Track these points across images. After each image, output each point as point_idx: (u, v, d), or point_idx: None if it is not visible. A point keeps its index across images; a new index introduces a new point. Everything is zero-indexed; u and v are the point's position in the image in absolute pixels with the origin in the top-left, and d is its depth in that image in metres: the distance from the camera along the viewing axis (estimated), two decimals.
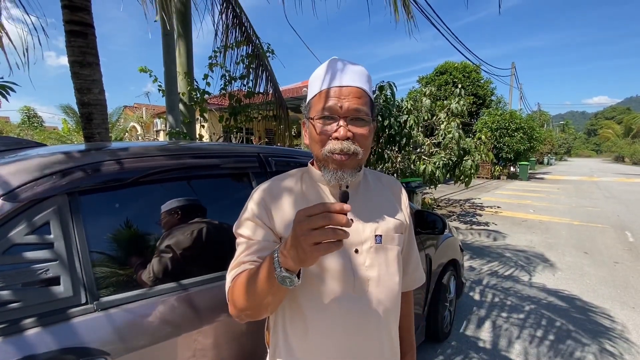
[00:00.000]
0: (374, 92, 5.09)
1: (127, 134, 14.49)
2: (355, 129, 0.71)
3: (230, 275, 0.72)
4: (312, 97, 0.75)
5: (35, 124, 21.22)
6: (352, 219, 0.76)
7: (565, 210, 8.31)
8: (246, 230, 0.75)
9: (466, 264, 4.30)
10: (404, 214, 0.87)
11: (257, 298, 0.63)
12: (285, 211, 0.75)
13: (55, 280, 0.78)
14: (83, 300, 0.80)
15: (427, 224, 1.98)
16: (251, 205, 0.77)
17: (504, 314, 2.99)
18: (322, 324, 0.72)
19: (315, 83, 0.76)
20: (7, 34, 3.61)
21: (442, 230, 1.97)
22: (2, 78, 2.26)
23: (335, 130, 0.71)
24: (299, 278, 0.59)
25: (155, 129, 16.96)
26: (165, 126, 4.15)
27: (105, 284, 0.86)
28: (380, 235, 0.78)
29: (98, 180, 0.89)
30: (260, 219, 0.75)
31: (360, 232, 0.76)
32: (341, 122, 0.70)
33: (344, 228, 0.53)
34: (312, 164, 0.83)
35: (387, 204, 0.84)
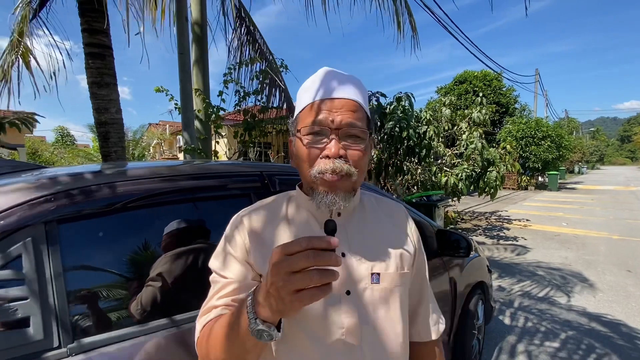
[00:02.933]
0: (390, 103, 4.97)
1: (152, 150, 15.01)
2: (350, 146, 0.61)
3: (199, 323, 0.61)
4: (300, 111, 0.66)
5: (68, 143, 22.44)
6: (343, 253, 0.63)
7: (602, 223, 7.72)
8: (220, 265, 0.64)
9: (495, 283, 4.00)
10: (409, 247, 0.72)
11: (228, 355, 0.52)
12: (266, 243, 0.64)
13: (25, 322, 0.70)
14: (55, 344, 0.71)
15: (450, 245, 1.81)
16: (228, 236, 0.67)
17: (539, 341, 2.71)
18: None
19: (304, 95, 0.66)
20: (35, 58, 3.80)
21: (468, 252, 1.79)
22: (23, 112, 2.36)
23: (326, 147, 0.60)
24: (279, 330, 0.48)
25: (177, 145, 17.52)
26: (182, 143, 4.21)
27: (81, 325, 0.77)
28: (378, 274, 0.64)
29: (80, 207, 0.81)
30: (237, 252, 0.64)
31: (354, 269, 0.64)
32: (332, 136, 0.60)
33: (332, 268, 0.42)
34: (301, 187, 0.71)
35: (388, 235, 0.71)
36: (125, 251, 0.89)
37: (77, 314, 0.77)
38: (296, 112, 0.68)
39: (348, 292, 0.62)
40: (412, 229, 0.77)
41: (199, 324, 0.61)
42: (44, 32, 3.73)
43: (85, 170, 0.94)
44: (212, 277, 0.65)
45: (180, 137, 16.73)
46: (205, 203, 1.06)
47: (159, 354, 0.82)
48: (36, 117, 2.37)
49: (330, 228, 0.46)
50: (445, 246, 1.81)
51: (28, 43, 3.57)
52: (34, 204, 0.76)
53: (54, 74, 3.80)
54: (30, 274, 0.71)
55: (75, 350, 0.73)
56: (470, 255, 2.18)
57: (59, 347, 0.72)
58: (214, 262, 0.66)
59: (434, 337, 0.78)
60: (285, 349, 0.61)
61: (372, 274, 0.64)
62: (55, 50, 3.72)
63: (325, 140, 0.61)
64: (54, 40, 3.67)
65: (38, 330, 0.70)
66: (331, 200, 0.60)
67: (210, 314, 0.60)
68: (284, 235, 0.66)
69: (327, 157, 0.60)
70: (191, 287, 0.97)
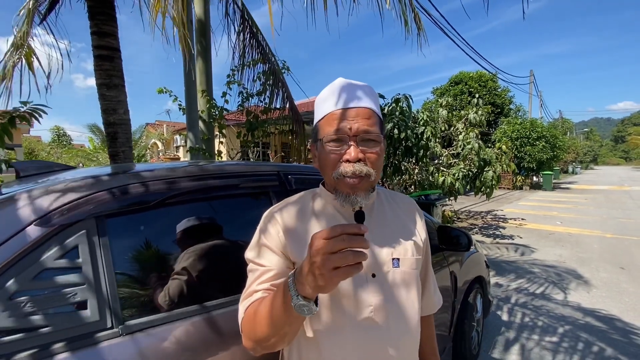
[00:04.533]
0: (388, 105, 5.08)
1: (148, 150, 15.00)
2: (367, 150, 0.70)
3: (242, 305, 0.70)
4: (320, 120, 0.75)
5: (64, 142, 22.33)
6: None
7: (596, 222, 7.89)
8: (257, 255, 0.73)
9: (492, 280, 4.11)
10: (420, 235, 0.83)
11: (273, 329, 0.61)
12: (297, 235, 0.73)
13: (82, 305, 0.78)
14: (109, 325, 0.80)
15: (451, 240, 1.91)
16: (262, 229, 0.76)
17: (535, 336, 2.81)
18: (338, 354, 0.69)
19: (322, 105, 0.75)
20: (37, 58, 3.83)
21: (468, 246, 1.89)
22: (32, 102, 2.38)
23: (346, 152, 0.69)
24: (316, 305, 0.57)
25: (175, 145, 17.50)
26: (185, 143, 4.27)
27: (130, 308, 0.86)
28: (398, 259, 0.74)
29: (124, 204, 0.90)
30: (272, 243, 0.73)
31: (377, 255, 0.73)
32: (351, 143, 0.69)
33: (362, 250, 0.51)
34: (324, 185, 0.81)
35: (403, 225, 0.82)
36: (162, 242, 0.98)
37: (125, 299, 0.85)
38: (316, 120, 0.77)
39: (374, 275, 0.72)
40: (421, 218, 0.87)
41: (242, 306, 0.69)
42: (48, 32, 3.76)
43: (124, 170, 1.02)
44: (250, 267, 0.74)
45: (177, 137, 16.73)
46: (230, 200, 1.15)
47: (197, 335, 0.90)
48: (44, 109, 2.37)
49: (359, 217, 0.56)
50: (447, 241, 1.91)
51: (32, 44, 3.61)
52: (86, 201, 0.84)
53: (49, 75, 3.80)
54: (86, 263, 0.80)
55: (125, 330, 0.81)
56: (470, 251, 2.28)
57: (112, 327, 0.80)
58: (250, 253, 0.75)
59: (433, 311, 0.93)
60: (326, 329, 0.70)
61: (393, 259, 0.74)
62: (57, 50, 3.75)
63: (345, 146, 0.70)
64: (56, 41, 3.70)
65: (94, 312, 0.78)
66: (353, 199, 0.70)
67: (252, 297, 0.68)
68: (314, 227, 0.75)
69: (348, 161, 0.69)
70: (225, 276, 1.06)
